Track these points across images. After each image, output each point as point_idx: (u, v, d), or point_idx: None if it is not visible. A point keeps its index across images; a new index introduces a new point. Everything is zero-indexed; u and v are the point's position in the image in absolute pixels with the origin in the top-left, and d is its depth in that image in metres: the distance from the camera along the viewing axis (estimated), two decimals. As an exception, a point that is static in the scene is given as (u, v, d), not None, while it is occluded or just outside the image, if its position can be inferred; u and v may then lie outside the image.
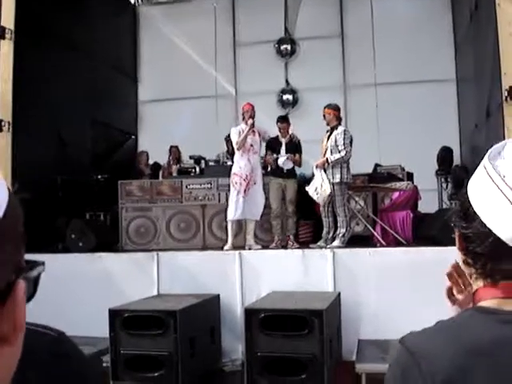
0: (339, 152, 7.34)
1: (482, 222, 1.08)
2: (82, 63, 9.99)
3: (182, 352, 5.35)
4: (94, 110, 10.31)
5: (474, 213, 1.10)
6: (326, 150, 7.48)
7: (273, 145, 7.99)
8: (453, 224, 1.19)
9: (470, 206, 1.12)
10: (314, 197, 7.34)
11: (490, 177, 1.07)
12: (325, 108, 7.71)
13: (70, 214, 8.34)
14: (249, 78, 11.72)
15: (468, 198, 1.13)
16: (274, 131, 8.16)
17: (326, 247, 7.16)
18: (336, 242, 7.31)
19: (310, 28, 11.58)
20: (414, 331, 1.08)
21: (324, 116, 7.62)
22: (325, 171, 7.38)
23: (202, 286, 6.66)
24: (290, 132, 8.12)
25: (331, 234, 7.50)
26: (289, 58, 11.86)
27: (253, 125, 7.70)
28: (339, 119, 7.66)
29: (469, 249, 1.12)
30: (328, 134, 7.59)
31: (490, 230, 1.06)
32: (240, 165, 7.67)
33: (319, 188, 7.24)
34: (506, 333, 1.00)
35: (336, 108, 7.70)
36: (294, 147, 8.02)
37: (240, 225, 7.93)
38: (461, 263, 1.19)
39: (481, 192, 1.10)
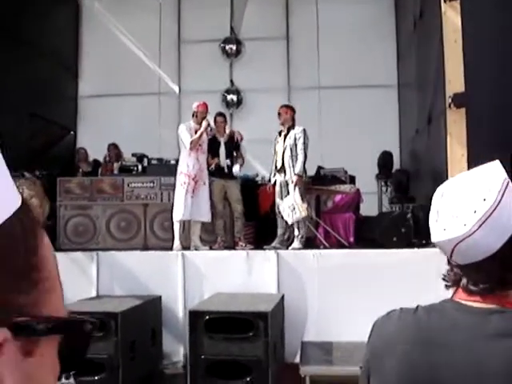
0: (298, 152, 7.33)
1: None
2: (21, 53, 9.58)
3: (122, 355, 5.20)
4: (32, 103, 9.89)
5: None
6: (285, 149, 7.42)
7: (211, 145, 7.77)
8: None
9: None
10: (287, 214, 7.25)
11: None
12: (282, 107, 7.67)
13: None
14: (193, 76, 11.57)
15: None
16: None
17: (285, 248, 7.13)
18: (296, 244, 7.29)
19: (255, 29, 11.54)
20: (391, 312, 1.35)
21: (279, 115, 7.56)
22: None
23: (142, 287, 6.51)
24: (227, 131, 8.04)
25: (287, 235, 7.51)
26: (234, 58, 11.77)
27: (209, 125, 7.56)
28: (294, 120, 7.60)
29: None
30: (284, 133, 7.54)
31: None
32: (188, 164, 7.42)
33: (297, 209, 7.14)
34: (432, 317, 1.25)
35: (293, 109, 7.71)
36: (233, 146, 7.93)
37: (184, 225, 7.79)
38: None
39: None
